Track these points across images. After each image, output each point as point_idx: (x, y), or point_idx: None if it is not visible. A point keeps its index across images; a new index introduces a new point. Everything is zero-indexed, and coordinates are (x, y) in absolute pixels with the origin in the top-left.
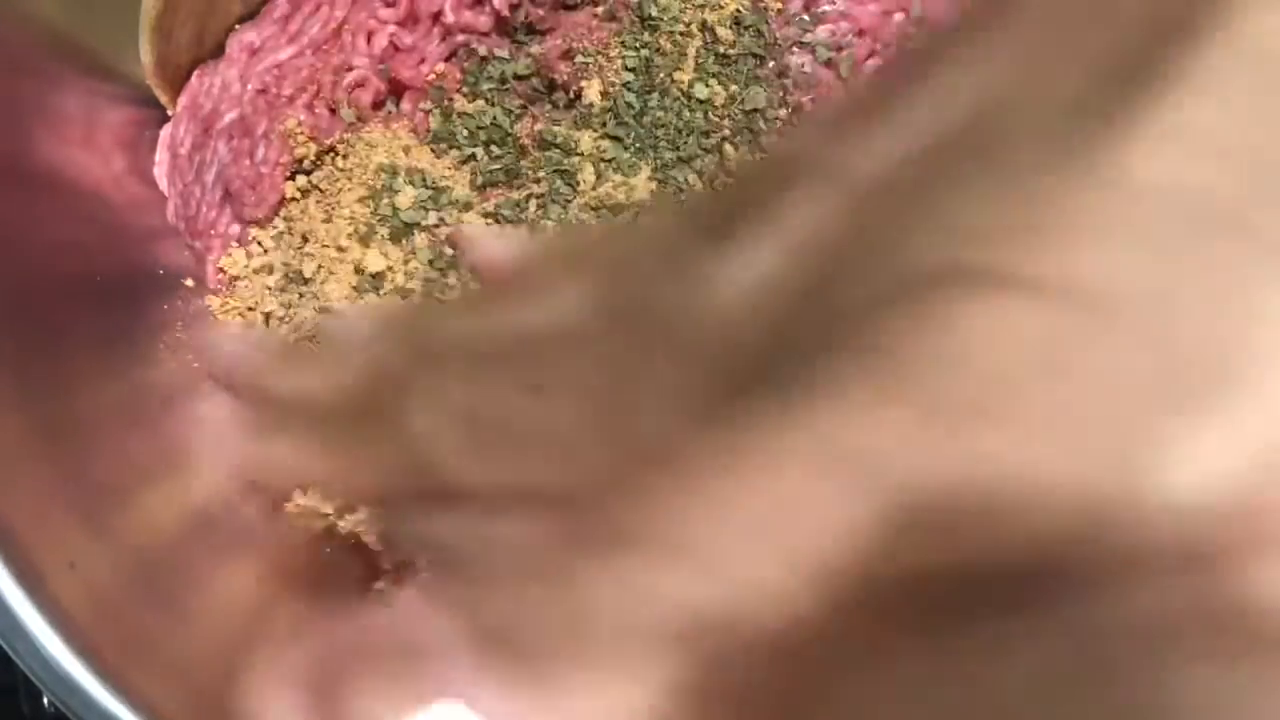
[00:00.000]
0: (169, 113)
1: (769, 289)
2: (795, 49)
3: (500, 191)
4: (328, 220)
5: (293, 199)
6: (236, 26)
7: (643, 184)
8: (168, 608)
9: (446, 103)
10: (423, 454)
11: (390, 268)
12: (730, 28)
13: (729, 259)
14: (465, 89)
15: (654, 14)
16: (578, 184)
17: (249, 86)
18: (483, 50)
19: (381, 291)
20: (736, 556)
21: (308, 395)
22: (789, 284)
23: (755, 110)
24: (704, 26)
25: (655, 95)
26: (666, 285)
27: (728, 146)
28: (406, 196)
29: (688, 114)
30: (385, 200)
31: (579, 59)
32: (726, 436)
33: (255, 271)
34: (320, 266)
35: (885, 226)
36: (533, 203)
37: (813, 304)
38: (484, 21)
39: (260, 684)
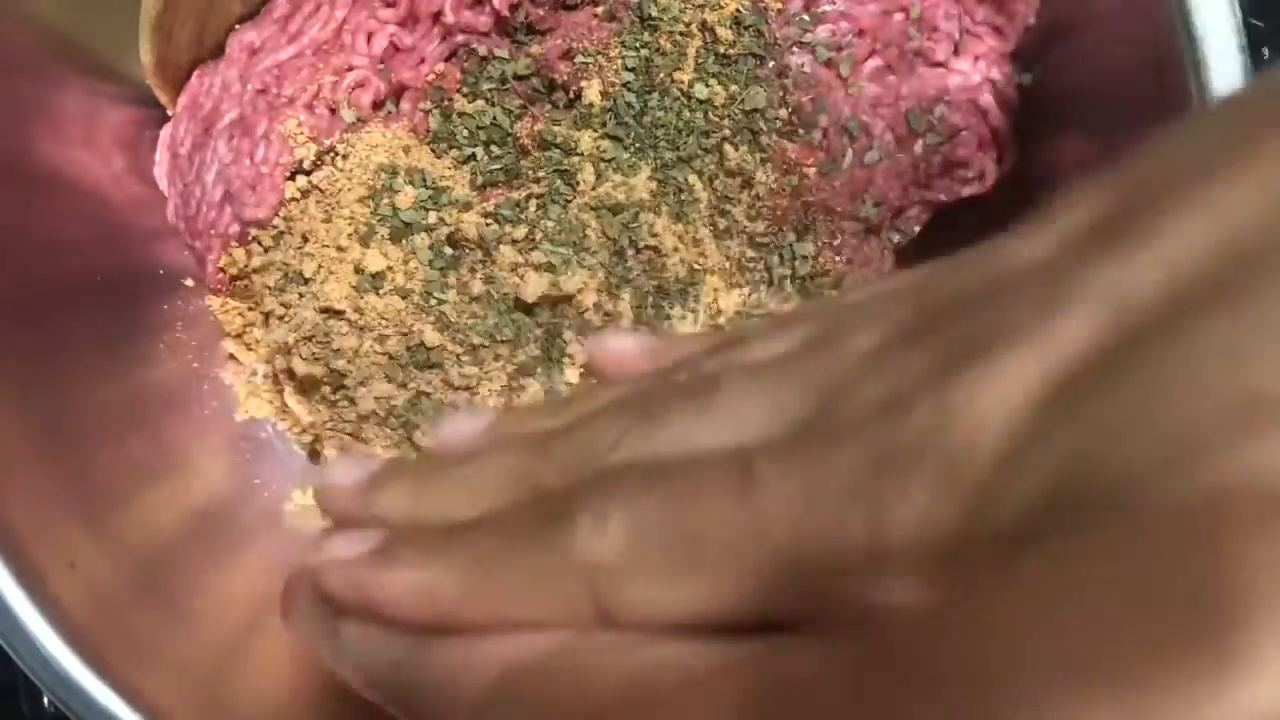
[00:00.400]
0: (169, 113)
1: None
2: (795, 49)
3: (500, 191)
4: (328, 220)
5: (293, 199)
6: (236, 26)
7: (643, 184)
8: (168, 608)
9: (446, 103)
10: (604, 580)
11: (390, 268)
12: (730, 28)
13: (974, 375)
14: (465, 89)
15: (654, 14)
16: (578, 184)
17: (249, 86)
18: (483, 50)
19: (381, 291)
20: None
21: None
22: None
23: (755, 110)
24: (704, 26)
25: (655, 95)
26: (873, 393)
27: (728, 146)
28: (406, 196)
29: (688, 114)
30: (385, 200)
31: (579, 59)
32: None
33: (255, 271)
34: (320, 266)
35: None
36: (533, 203)
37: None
38: (484, 21)
39: None
